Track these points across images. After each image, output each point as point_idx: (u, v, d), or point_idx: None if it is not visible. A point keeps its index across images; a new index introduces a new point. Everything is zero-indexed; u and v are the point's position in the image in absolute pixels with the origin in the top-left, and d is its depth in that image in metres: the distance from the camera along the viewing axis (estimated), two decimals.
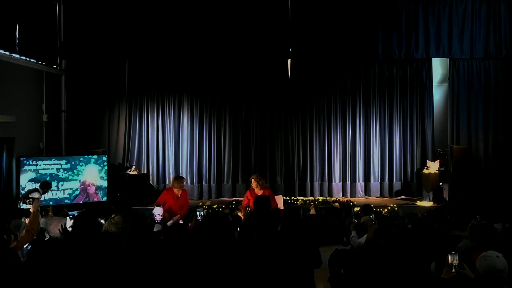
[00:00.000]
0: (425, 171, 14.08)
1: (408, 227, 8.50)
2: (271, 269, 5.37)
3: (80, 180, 12.78)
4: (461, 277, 4.78)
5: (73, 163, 12.73)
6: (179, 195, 10.92)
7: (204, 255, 5.03)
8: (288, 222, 6.67)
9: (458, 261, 4.85)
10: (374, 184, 14.88)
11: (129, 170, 14.13)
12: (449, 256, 4.88)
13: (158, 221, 9.18)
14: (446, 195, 13.93)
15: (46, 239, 6.92)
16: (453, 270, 4.82)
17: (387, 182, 14.87)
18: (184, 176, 14.48)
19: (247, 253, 5.52)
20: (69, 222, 6.89)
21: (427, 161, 14.22)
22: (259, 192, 10.83)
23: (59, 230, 6.33)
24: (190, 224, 8.36)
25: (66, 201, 12.41)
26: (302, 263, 5.70)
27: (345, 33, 14.01)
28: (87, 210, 10.93)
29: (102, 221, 9.04)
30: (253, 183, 11.02)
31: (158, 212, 9.53)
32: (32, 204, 7.42)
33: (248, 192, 11.14)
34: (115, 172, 13.85)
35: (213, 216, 5.79)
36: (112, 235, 7.07)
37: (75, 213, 9.58)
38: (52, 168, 12.36)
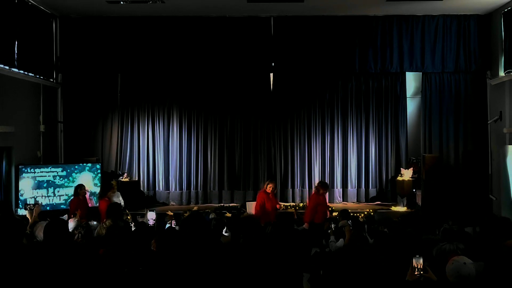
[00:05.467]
0: (399, 178, 14.52)
1: (384, 230, 8.80)
2: (257, 271, 5.48)
3: None
4: (424, 279, 4.92)
5: (68, 170, 13.22)
6: (270, 196, 11.64)
7: (188, 256, 5.17)
8: (280, 227, 7.19)
9: (422, 264, 4.93)
10: (351, 190, 15.26)
11: (121, 177, 14.53)
12: (413, 260, 4.95)
13: (151, 225, 9.66)
14: (419, 200, 14.32)
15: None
16: (416, 273, 4.91)
17: (364, 189, 15.26)
18: (174, 182, 15.13)
19: (233, 254, 5.69)
20: None
21: (401, 168, 14.68)
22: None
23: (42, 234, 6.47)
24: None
25: (62, 206, 12.83)
26: (290, 266, 5.93)
27: (324, 48, 14.49)
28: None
29: (95, 223, 9.59)
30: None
31: (151, 217, 10.03)
32: (32, 210, 7.98)
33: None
34: (108, 179, 14.05)
35: (192, 218, 5.78)
36: (103, 238, 7.49)
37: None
38: (49, 176, 12.87)
